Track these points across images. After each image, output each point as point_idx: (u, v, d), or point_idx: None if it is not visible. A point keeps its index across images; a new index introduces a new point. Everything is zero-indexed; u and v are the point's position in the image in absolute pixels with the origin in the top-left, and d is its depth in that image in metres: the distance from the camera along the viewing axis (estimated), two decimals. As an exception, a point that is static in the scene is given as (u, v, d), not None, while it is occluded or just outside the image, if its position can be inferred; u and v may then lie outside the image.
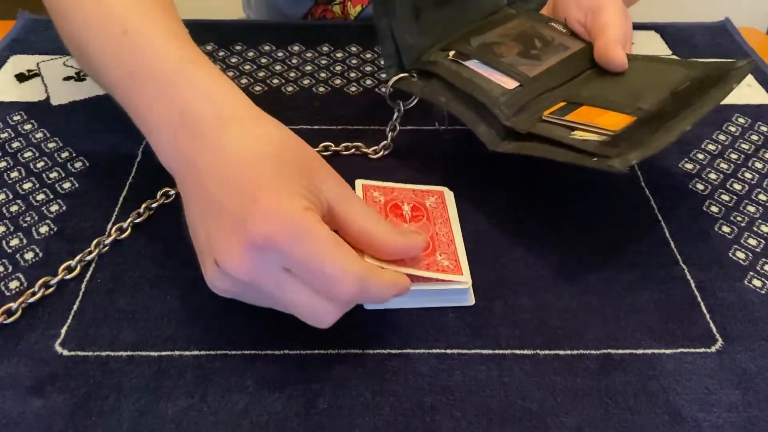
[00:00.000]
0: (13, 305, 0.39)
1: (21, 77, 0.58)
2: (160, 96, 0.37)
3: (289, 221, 0.32)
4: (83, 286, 0.41)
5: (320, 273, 0.33)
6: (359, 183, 0.45)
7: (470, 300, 0.41)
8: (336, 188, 0.36)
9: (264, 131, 0.36)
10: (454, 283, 0.39)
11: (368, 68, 0.61)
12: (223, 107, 0.36)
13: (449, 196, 0.45)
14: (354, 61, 0.61)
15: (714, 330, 0.40)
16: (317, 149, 0.49)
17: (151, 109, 0.38)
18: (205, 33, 0.63)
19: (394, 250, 0.36)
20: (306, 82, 0.59)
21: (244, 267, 0.33)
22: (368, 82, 0.59)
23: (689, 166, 0.52)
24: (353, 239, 0.36)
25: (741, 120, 0.56)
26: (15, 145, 0.51)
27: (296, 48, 0.63)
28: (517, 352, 0.39)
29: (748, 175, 0.51)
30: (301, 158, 0.36)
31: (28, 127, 0.53)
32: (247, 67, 0.60)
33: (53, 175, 0.49)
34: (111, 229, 0.44)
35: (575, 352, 0.39)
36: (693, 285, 0.43)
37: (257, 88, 0.58)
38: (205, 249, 0.35)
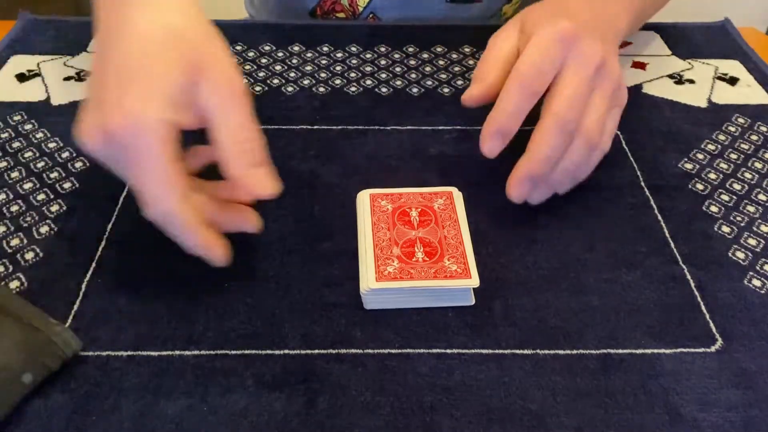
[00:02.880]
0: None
1: (21, 77, 0.58)
2: None
3: (137, 129, 0.35)
4: (83, 286, 0.41)
5: (141, 185, 0.36)
6: (366, 193, 0.45)
7: (471, 300, 0.41)
8: (215, 97, 0.37)
9: (170, 20, 0.37)
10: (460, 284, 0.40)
11: (368, 68, 0.61)
12: None
13: (458, 196, 0.45)
14: (354, 61, 0.61)
15: (714, 330, 0.40)
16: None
17: None
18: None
19: (232, 175, 0.37)
20: (306, 82, 0.59)
21: (96, 145, 0.36)
22: (368, 82, 0.59)
23: (689, 166, 0.52)
24: (215, 149, 0.38)
25: (741, 120, 0.56)
26: (15, 145, 0.51)
27: (296, 48, 0.63)
28: (517, 352, 0.39)
29: (748, 175, 0.51)
30: (193, 58, 0.37)
31: (28, 127, 0.53)
32: (247, 67, 0.60)
33: (53, 175, 0.49)
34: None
35: (575, 352, 0.39)
36: (693, 285, 0.43)
37: (257, 88, 0.58)
38: (80, 116, 0.37)
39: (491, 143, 0.42)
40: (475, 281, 0.40)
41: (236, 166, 0.37)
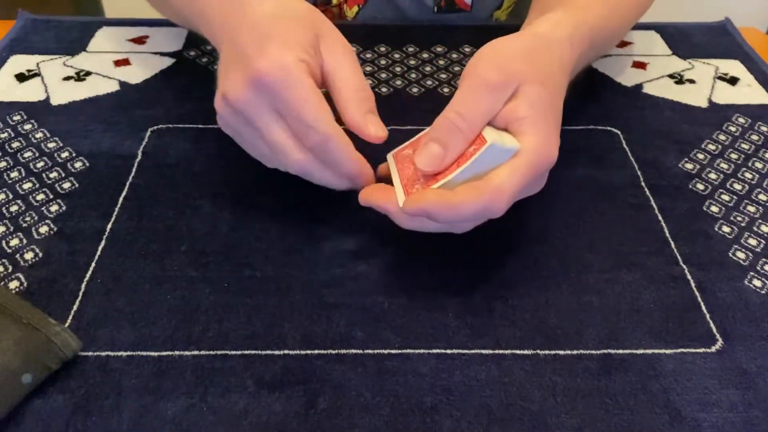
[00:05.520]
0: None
1: (21, 77, 0.58)
2: None
3: (284, 67, 0.38)
4: (83, 286, 0.41)
5: (297, 117, 0.39)
6: (390, 156, 0.44)
7: (511, 150, 0.38)
8: (334, 55, 0.42)
9: (290, 3, 0.43)
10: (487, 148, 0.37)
11: (368, 68, 0.61)
12: None
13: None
14: (354, 61, 0.61)
15: (714, 330, 0.40)
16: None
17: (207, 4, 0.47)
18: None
19: (351, 119, 0.41)
20: (306, 82, 0.59)
21: (242, 96, 0.39)
22: (368, 82, 0.59)
23: (689, 166, 0.52)
24: (334, 100, 0.42)
25: (741, 120, 0.56)
26: (15, 145, 0.51)
27: (296, 48, 0.63)
28: (517, 352, 0.39)
29: (748, 175, 0.51)
30: (314, 27, 0.42)
31: (28, 127, 0.53)
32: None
33: (53, 175, 0.49)
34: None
35: (575, 352, 0.39)
36: (693, 285, 0.43)
37: (257, 88, 0.58)
38: (220, 83, 0.42)
39: (411, 221, 0.40)
40: (492, 137, 0.37)
41: (355, 112, 0.41)
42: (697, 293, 0.42)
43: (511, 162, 0.38)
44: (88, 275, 0.42)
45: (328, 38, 0.42)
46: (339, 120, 0.42)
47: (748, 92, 0.59)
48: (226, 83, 0.41)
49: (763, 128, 0.55)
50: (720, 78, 0.61)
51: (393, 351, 0.39)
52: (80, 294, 0.41)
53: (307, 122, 0.39)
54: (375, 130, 0.41)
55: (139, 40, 0.63)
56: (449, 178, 0.38)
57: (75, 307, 0.40)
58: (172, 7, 0.55)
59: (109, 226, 0.45)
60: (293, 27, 0.41)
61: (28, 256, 0.43)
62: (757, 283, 0.43)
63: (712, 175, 0.51)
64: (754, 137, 0.55)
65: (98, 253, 0.43)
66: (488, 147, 0.37)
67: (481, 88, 0.39)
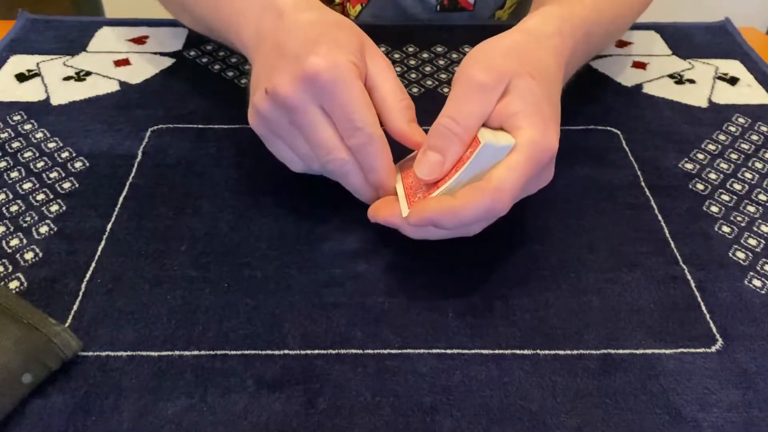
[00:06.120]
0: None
1: (21, 77, 0.58)
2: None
3: (338, 66, 0.39)
4: (83, 286, 0.41)
5: (346, 116, 0.39)
6: (396, 167, 0.43)
7: (506, 148, 0.38)
8: (377, 65, 0.42)
9: (332, 14, 0.44)
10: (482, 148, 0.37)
11: (368, 68, 0.61)
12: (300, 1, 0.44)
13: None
14: (354, 61, 0.61)
15: (714, 330, 0.40)
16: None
17: (236, 10, 0.47)
18: (205, 33, 0.63)
19: (397, 128, 0.42)
20: (306, 82, 0.59)
21: (291, 90, 0.39)
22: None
23: (689, 166, 0.52)
24: (377, 109, 0.42)
25: (741, 120, 0.56)
26: (15, 145, 0.51)
27: (296, 48, 0.63)
28: (517, 352, 0.39)
29: (748, 175, 0.51)
30: (357, 35, 0.43)
31: (28, 127, 0.53)
32: (248, 67, 0.60)
33: (53, 175, 0.49)
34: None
35: (575, 352, 0.39)
36: (693, 285, 0.43)
37: (257, 88, 0.58)
38: (262, 82, 0.41)
39: (419, 232, 0.40)
40: (486, 137, 0.37)
41: (401, 121, 0.42)
42: (697, 293, 0.42)
43: (509, 159, 0.38)
44: (88, 275, 0.42)
45: (370, 47, 0.43)
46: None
47: (748, 92, 0.59)
48: (273, 79, 0.40)
49: (763, 128, 0.55)
50: (720, 78, 0.61)
51: (393, 351, 0.39)
52: (80, 294, 0.41)
53: (355, 122, 0.39)
54: (418, 136, 0.42)
55: (139, 40, 0.63)
56: (448, 184, 0.38)
57: (75, 307, 0.40)
58: (192, 14, 0.54)
59: (109, 226, 0.45)
60: (341, 33, 0.41)
61: (28, 256, 0.43)
62: (757, 283, 0.43)
63: (712, 175, 0.51)
64: (754, 137, 0.55)
65: (98, 253, 0.43)
66: (482, 148, 0.37)
67: (472, 90, 0.39)
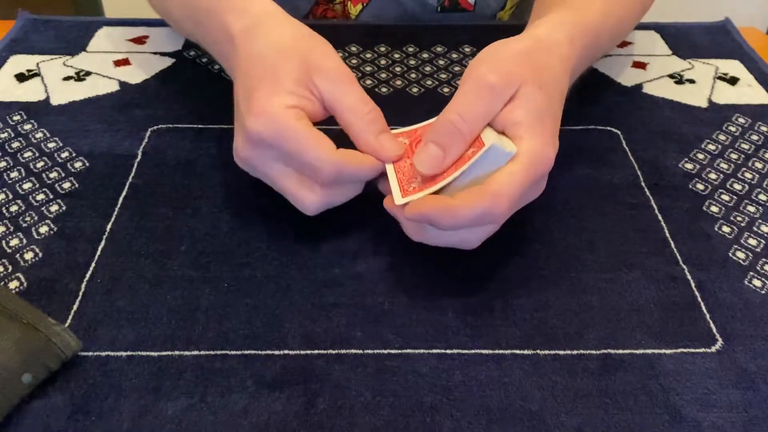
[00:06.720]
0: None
1: (21, 77, 0.58)
2: (214, 22, 0.47)
3: (274, 120, 0.39)
4: (83, 286, 0.41)
5: (301, 161, 0.40)
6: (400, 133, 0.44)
7: (508, 153, 0.38)
8: (330, 84, 0.42)
9: (278, 36, 0.43)
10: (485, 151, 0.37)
11: (368, 68, 0.61)
12: (253, 20, 0.44)
13: None
14: (354, 61, 0.61)
15: (714, 330, 0.40)
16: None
17: (211, 37, 0.49)
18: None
19: (365, 145, 0.42)
20: (306, 82, 0.59)
21: (244, 155, 0.41)
22: (368, 82, 0.59)
23: (689, 166, 0.52)
24: (344, 128, 0.42)
25: (741, 120, 0.56)
26: (15, 145, 0.51)
27: (296, 48, 0.63)
28: (517, 352, 0.39)
29: (748, 175, 0.51)
30: (304, 56, 0.42)
31: (27, 127, 0.53)
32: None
33: (53, 175, 0.49)
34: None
35: (575, 352, 0.39)
36: (693, 285, 0.43)
37: (257, 88, 0.58)
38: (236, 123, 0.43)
39: (417, 230, 0.41)
40: (492, 139, 0.37)
41: (366, 136, 0.41)
42: (697, 293, 0.42)
43: (509, 166, 0.38)
44: (88, 275, 0.42)
45: (322, 66, 0.42)
46: (345, 135, 0.42)
47: (748, 92, 0.59)
48: (234, 141, 0.42)
49: (763, 128, 0.55)
50: (720, 78, 0.61)
51: (393, 351, 0.39)
52: (80, 294, 0.41)
53: (312, 164, 0.39)
54: (390, 149, 0.42)
55: (139, 40, 0.63)
56: (448, 180, 0.38)
57: (75, 307, 0.40)
58: (180, 30, 0.56)
59: (109, 226, 0.45)
60: (282, 63, 0.41)
61: (28, 256, 0.43)
62: (757, 283, 0.43)
63: (712, 175, 0.51)
64: (754, 137, 0.55)
65: (98, 253, 0.43)
66: (489, 149, 0.37)
67: (482, 90, 0.39)
